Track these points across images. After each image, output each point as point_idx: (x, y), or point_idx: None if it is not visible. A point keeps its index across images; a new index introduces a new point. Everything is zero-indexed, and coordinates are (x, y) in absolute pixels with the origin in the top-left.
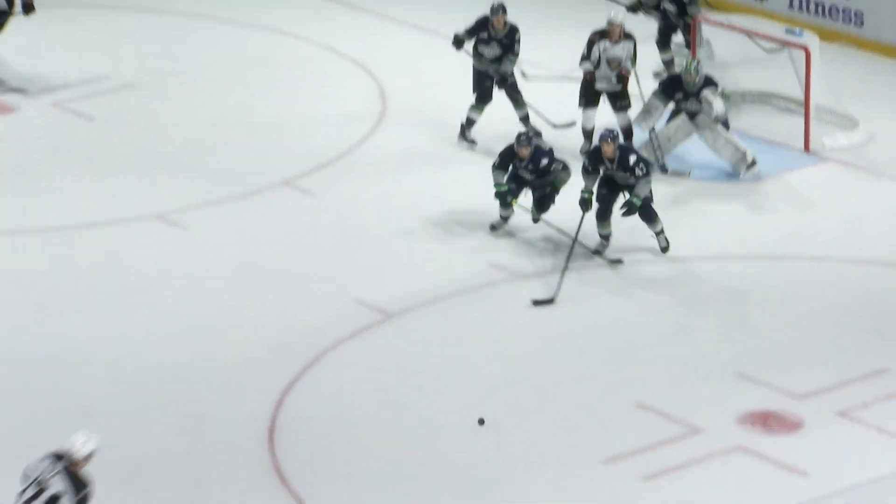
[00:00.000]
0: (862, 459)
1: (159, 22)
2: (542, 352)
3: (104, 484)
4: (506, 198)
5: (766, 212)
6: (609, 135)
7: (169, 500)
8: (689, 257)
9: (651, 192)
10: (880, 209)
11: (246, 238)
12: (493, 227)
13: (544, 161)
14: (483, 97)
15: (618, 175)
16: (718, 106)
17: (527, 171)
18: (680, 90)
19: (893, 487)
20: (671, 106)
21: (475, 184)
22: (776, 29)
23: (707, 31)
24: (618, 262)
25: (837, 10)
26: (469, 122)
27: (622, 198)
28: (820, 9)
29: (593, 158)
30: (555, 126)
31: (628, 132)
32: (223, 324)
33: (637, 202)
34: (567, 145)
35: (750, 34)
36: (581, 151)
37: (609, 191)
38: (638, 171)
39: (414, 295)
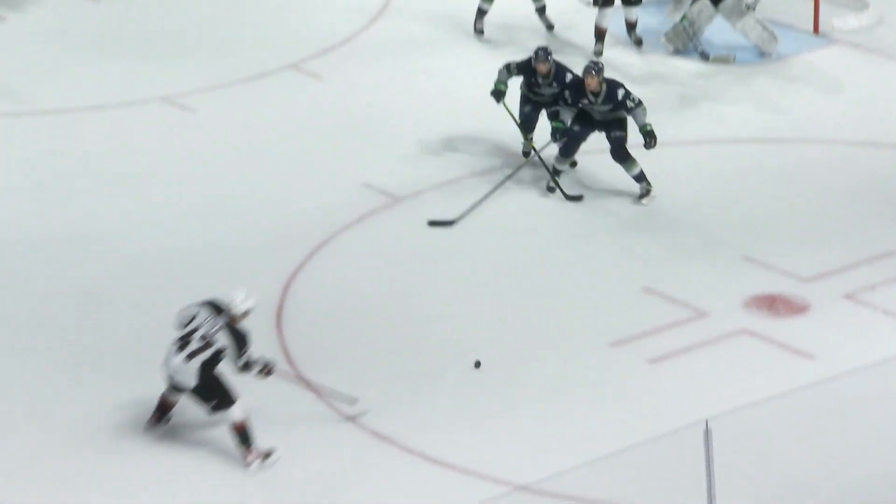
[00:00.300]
0: (868, 342)
1: None
2: (549, 238)
3: (110, 362)
4: (501, 96)
5: (775, 95)
6: (593, 67)
7: None
8: (696, 141)
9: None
10: (890, 91)
11: (253, 121)
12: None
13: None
14: None
15: (599, 110)
16: None
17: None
18: None
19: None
20: None
21: (480, 69)
22: None
23: None
24: (577, 198)
25: None
26: (480, 13)
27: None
28: None
29: (575, 91)
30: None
31: (634, 26)
32: (230, 208)
33: (649, 128)
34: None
35: None
36: (594, 53)
37: (582, 128)
38: (629, 104)
39: (421, 179)
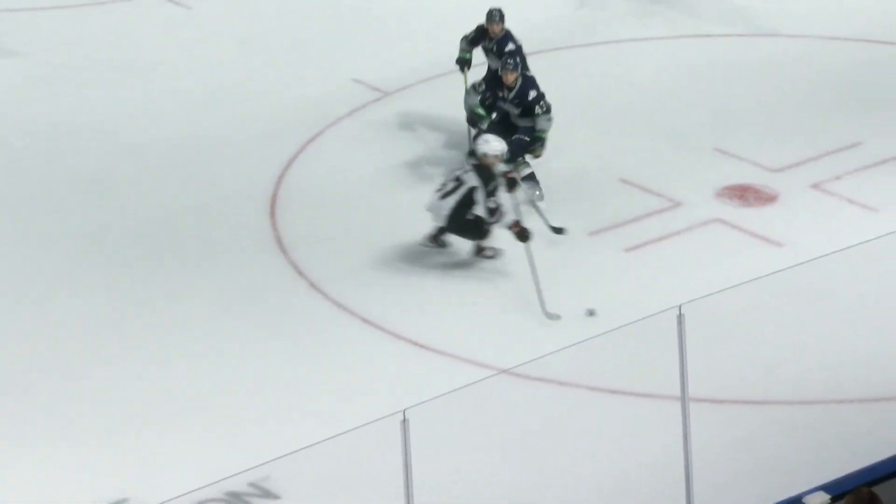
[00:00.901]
0: (833, 229)
1: None
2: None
3: (113, 248)
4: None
5: None
6: (511, 63)
7: (177, 264)
8: (667, 36)
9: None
10: None
11: (246, 15)
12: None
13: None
14: None
15: (509, 107)
16: None
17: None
18: None
19: (863, 255)
20: None
21: None
22: None
23: None
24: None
25: None
26: None
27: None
28: None
29: (491, 83)
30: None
31: None
32: (226, 98)
33: (543, 135)
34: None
35: None
36: None
37: (502, 129)
38: (538, 110)
39: (409, 73)
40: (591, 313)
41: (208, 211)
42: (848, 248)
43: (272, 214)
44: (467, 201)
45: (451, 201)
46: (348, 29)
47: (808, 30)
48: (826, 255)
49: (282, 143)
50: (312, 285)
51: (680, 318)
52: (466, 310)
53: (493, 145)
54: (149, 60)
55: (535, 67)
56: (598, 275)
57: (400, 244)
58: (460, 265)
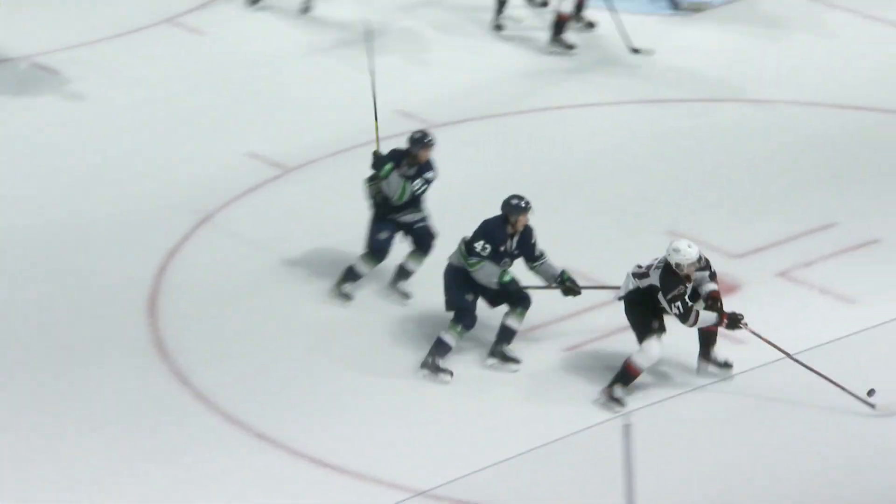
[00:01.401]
0: (804, 323)
1: None
2: (441, 197)
3: None
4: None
5: (703, 51)
6: (524, 203)
7: (48, 375)
8: (623, 101)
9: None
10: (827, 44)
11: (131, 82)
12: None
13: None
14: None
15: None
16: None
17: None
18: None
19: (839, 351)
20: None
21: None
22: None
23: None
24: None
25: None
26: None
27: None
28: None
29: (497, 236)
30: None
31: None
32: (108, 178)
33: (568, 277)
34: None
35: None
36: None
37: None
38: (537, 252)
39: (312, 148)
40: (870, 393)
41: (82, 309)
42: (820, 345)
43: (152, 313)
44: (647, 294)
45: (635, 282)
46: (241, 96)
47: (775, 94)
48: (799, 352)
49: (167, 228)
50: (198, 395)
51: (626, 428)
52: (381, 422)
53: (685, 253)
54: (22, 133)
55: (480, 133)
56: (535, 373)
57: (297, 346)
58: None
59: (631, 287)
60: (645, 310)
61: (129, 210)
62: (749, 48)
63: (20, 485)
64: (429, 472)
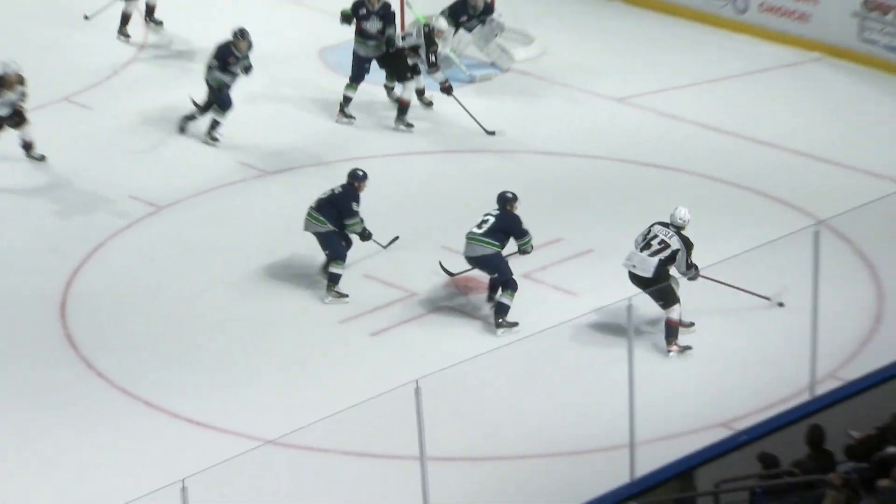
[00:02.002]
0: (541, 312)
1: None
2: (286, 225)
3: None
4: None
5: (475, 113)
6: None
7: None
8: (403, 153)
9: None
10: (554, 110)
11: (37, 147)
12: None
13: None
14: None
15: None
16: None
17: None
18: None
19: (562, 333)
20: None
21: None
22: None
23: None
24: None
25: None
26: (346, 100)
27: None
28: None
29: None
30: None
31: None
32: (17, 217)
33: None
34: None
35: None
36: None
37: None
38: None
39: (179, 190)
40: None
41: (1, 315)
42: (554, 326)
43: (63, 315)
44: (670, 260)
45: (656, 259)
46: (124, 154)
47: (518, 147)
48: (537, 332)
49: (70, 253)
50: (100, 375)
51: (417, 390)
52: (239, 389)
53: (688, 215)
54: None
55: (298, 179)
56: (347, 356)
57: (176, 335)
58: (236, 351)
59: (655, 265)
60: (667, 278)
61: (39, 242)
62: (504, 113)
63: None
64: (271, 425)
